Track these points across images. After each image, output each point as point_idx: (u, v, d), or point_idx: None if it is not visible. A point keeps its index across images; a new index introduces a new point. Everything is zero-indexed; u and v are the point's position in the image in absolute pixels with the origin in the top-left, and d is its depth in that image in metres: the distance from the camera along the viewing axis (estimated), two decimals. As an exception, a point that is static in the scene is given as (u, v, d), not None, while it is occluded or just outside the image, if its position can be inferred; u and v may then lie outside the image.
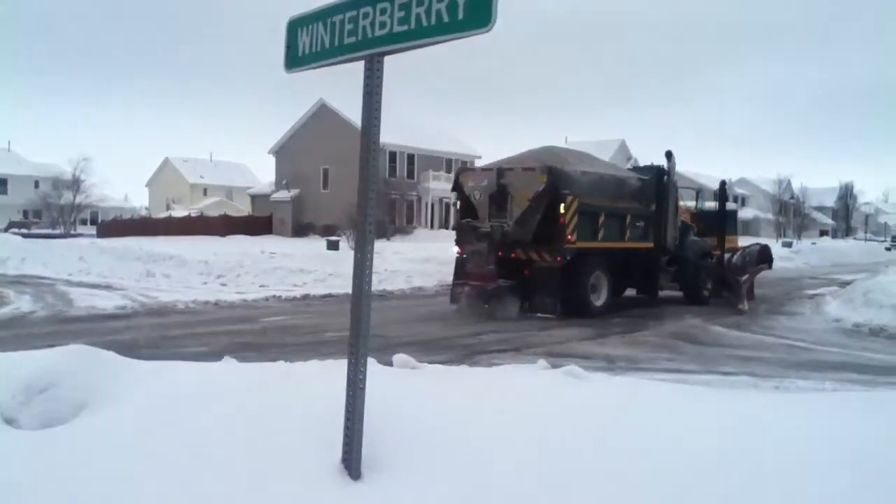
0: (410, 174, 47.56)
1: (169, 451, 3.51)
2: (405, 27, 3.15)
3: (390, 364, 5.60)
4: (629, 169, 18.73)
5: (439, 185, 48.60)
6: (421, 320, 13.79)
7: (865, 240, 72.64)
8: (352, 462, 3.37)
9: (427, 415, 3.97)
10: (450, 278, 16.51)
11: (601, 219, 14.71)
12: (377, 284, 19.79)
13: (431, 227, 47.72)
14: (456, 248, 15.25)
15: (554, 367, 5.95)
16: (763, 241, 28.49)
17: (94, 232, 52.63)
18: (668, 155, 17.28)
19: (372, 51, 3.31)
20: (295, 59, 3.83)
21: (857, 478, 3.40)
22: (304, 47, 3.73)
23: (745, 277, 17.23)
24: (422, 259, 24.35)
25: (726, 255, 18.18)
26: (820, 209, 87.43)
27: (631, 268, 16.09)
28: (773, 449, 3.77)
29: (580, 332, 12.32)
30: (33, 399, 3.88)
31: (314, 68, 3.72)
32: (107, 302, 15.74)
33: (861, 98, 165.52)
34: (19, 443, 3.52)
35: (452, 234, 16.70)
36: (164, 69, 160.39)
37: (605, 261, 14.95)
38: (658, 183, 16.64)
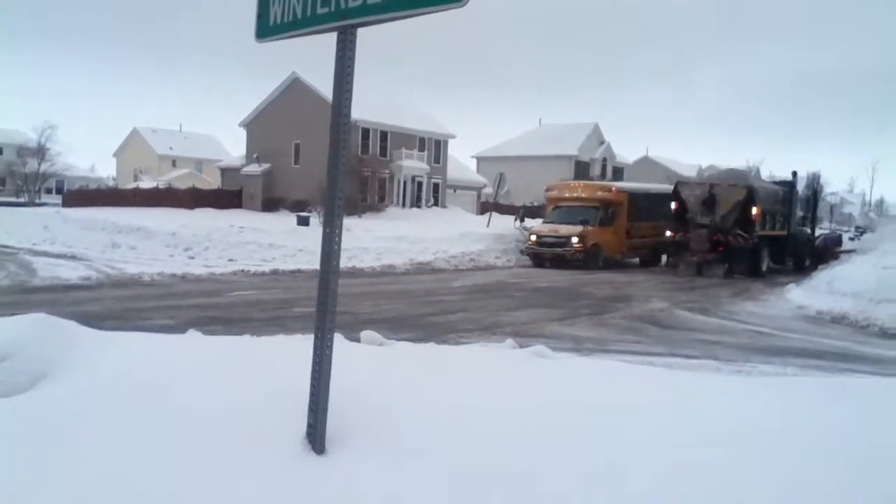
0: (383, 152, 47.21)
1: (129, 423, 3.47)
2: (379, -1, 3.09)
3: (358, 340, 5.59)
4: (773, 182, 26.82)
5: (412, 164, 48.34)
6: (391, 298, 13.79)
7: (830, 229, 73.78)
8: (316, 437, 3.36)
9: (393, 391, 3.97)
10: (420, 257, 21.76)
11: (767, 217, 22.71)
12: (347, 262, 19.73)
13: (404, 205, 47.48)
14: (669, 233, 23.10)
15: (522, 346, 5.98)
16: None
17: (59, 201, 51.65)
18: (794, 174, 26.37)
19: (345, 22, 3.25)
20: (266, 29, 3.75)
21: (816, 461, 3.47)
22: (276, 16, 3.65)
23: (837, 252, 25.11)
24: (393, 237, 24.30)
25: (816, 239, 26.76)
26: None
27: (775, 247, 23.65)
28: (730, 429, 3.83)
29: (549, 313, 12.41)
30: (-9, 368, 3.81)
31: (286, 38, 3.64)
32: (71, 272, 15.52)
33: (830, 88, 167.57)
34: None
35: (425, 213, 19.67)
36: (134, 37, 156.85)
37: (767, 243, 22.87)
38: (790, 193, 24.96)
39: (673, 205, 23.11)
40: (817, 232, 28.32)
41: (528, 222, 27.07)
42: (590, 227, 23.46)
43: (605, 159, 66.36)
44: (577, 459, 3.35)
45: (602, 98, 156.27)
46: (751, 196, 21.91)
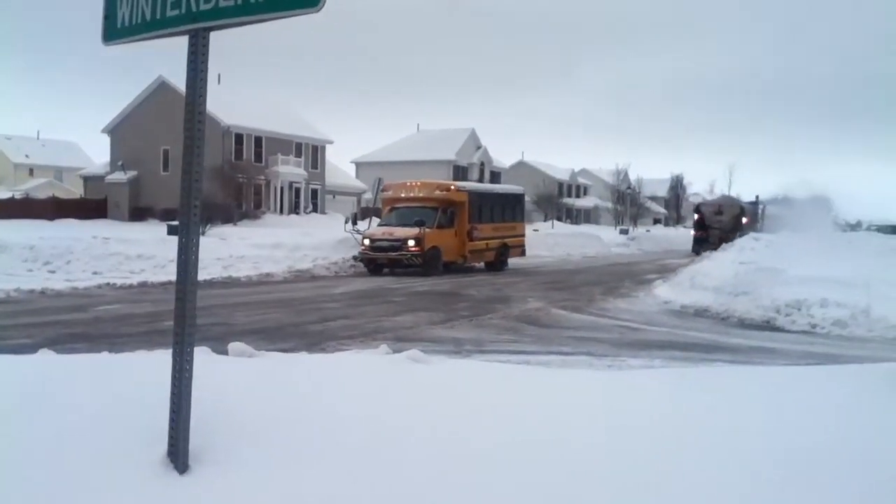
0: (258, 158, 46.14)
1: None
2: (232, 2, 3.00)
3: (226, 353, 5.42)
4: (749, 203, 40.97)
5: (289, 170, 47.50)
6: (268, 307, 13.47)
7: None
8: (178, 455, 3.23)
9: (261, 404, 3.86)
10: (299, 265, 21.61)
11: (745, 220, 35.15)
12: (222, 271, 19.15)
13: (281, 212, 46.56)
14: (692, 231, 37.94)
15: (399, 351, 5.98)
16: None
17: None
18: (757, 197, 42.43)
19: (196, 25, 3.14)
20: (113, 32, 3.57)
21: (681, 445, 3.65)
22: (124, 18, 3.47)
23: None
24: (270, 245, 23.71)
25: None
26: (654, 199, 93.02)
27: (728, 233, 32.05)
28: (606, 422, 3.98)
29: (430, 317, 12.49)
30: None
31: (135, 41, 3.48)
32: (-89, 292, 14.24)
33: (694, 93, 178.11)
34: None
35: (303, 220, 19.59)
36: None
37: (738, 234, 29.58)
38: (755, 208, 39.56)
39: (696, 216, 37.47)
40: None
41: (363, 225, 25.36)
42: (427, 230, 21.53)
43: (482, 164, 67.62)
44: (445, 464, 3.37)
45: (479, 104, 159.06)
46: (742, 211, 36.48)
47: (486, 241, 24.05)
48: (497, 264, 24.53)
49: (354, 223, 25.04)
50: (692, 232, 37.34)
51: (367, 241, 21.85)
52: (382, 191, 25.28)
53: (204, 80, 3.19)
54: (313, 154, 50.73)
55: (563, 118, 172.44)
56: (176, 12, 3.19)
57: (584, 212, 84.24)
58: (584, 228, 53.73)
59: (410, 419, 3.82)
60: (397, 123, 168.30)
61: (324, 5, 2.79)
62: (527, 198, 59.06)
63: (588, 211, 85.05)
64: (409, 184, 24.51)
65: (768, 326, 12.13)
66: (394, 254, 21.29)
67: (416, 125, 73.87)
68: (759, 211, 40.12)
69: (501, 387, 4.73)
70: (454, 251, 22.93)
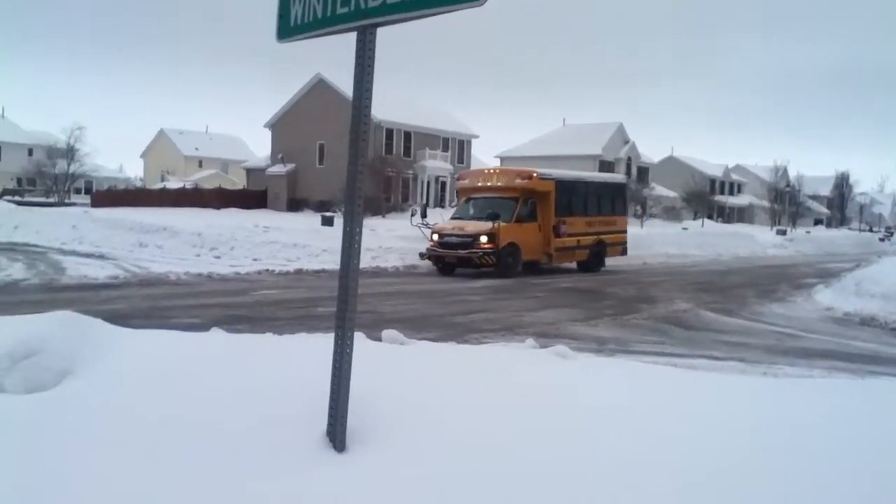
0: (407, 152, 47.35)
1: (152, 419, 3.51)
2: (399, -2, 3.10)
3: (379, 339, 5.61)
4: None
5: (436, 164, 48.41)
6: (413, 298, 13.81)
7: (860, 230, 72.78)
8: (336, 434, 3.38)
9: (414, 390, 3.98)
10: None
11: None
12: (371, 261, 19.77)
13: (427, 205, 47.61)
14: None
15: (543, 347, 5.96)
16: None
17: (88, 201, 52.36)
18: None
19: (364, 22, 3.27)
20: (286, 29, 3.78)
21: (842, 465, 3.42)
22: (297, 17, 3.67)
23: None
24: (417, 237, 24.28)
25: None
26: (815, 198, 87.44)
27: None
28: (759, 432, 3.79)
29: (571, 314, 12.36)
30: (17, 364, 3.86)
31: (306, 38, 3.67)
32: (98, 271, 15.71)
33: (860, 85, 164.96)
34: (2, 406, 3.51)
35: (449, 214, 18.15)
36: (160, 39, 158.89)
37: None
38: None
39: None
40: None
41: (433, 218, 22.46)
42: (503, 223, 18.85)
43: (629, 159, 65.90)
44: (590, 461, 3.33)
45: (627, 97, 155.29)
46: None
47: (577, 238, 21.19)
48: (591, 264, 21.77)
49: (424, 215, 21.81)
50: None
51: (435, 237, 19.43)
52: (458, 179, 22.67)
53: (370, 76, 3.31)
54: (459, 148, 51.43)
55: (715, 112, 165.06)
56: (345, 10, 3.33)
57: (737, 210, 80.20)
58: (737, 228, 51.13)
59: (557, 412, 3.80)
60: (543, 118, 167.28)
61: (487, -1, 2.83)
62: (674, 194, 57.89)
63: (742, 209, 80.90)
64: (486, 171, 22.32)
65: (947, 340, 11.09)
66: (464, 251, 18.61)
67: (562, 119, 73.12)
68: None
69: (678, 388, 4.61)
70: (537, 249, 20.28)
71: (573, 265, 21.97)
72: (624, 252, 23.82)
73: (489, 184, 20.77)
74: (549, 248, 20.49)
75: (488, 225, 18.64)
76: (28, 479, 2.97)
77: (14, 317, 4.62)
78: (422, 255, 19.82)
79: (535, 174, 20.60)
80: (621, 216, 24.09)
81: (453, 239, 19.02)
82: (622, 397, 4.24)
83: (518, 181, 20.37)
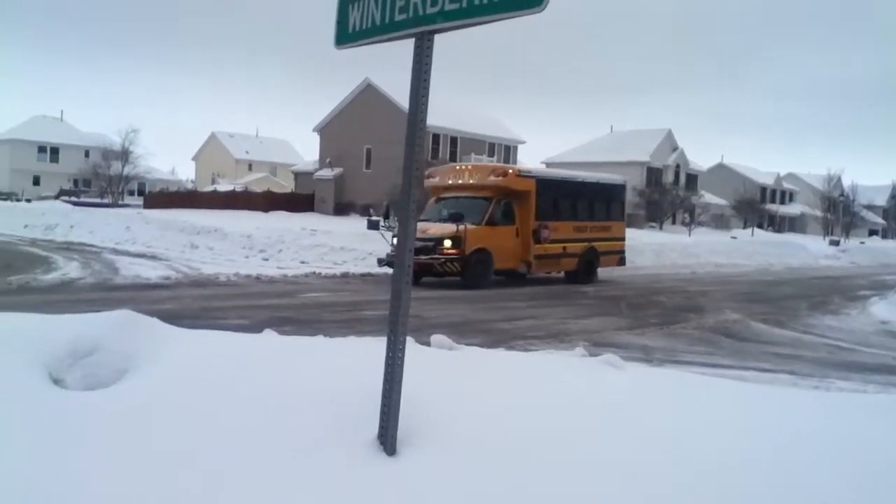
0: (453, 157, 47.40)
1: (207, 420, 3.57)
2: (457, 5, 3.10)
3: (427, 344, 5.62)
4: None
5: (482, 169, 48.36)
6: (456, 303, 13.82)
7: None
8: (388, 438, 3.39)
9: (465, 394, 3.98)
10: None
11: None
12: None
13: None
14: None
15: (592, 355, 5.92)
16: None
17: (140, 203, 53.63)
18: None
19: (422, 28, 3.29)
20: (345, 35, 3.82)
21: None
22: (355, 23, 3.71)
23: None
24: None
25: None
26: (870, 208, 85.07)
27: None
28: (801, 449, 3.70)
29: (617, 322, 12.23)
30: (79, 361, 3.97)
31: (364, 45, 3.71)
32: (151, 271, 16.08)
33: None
34: (66, 402, 3.61)
35: None
36: (212, 44, 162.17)
37: None
38: None
39: None
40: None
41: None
42: (471, 226, 16.78)
43: (678, 166, 64.97)
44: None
45: (676, 103, 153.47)
46: None
47: (562, 245, 19.00)
48: (580, 274, 19.43)
49: (387, 216, 19.09)
50: None
51: (395, 241, 17.35)
52: (427, 177, 19.82)
53: (427, 82, 3.32)
54: (506, 154, 51.33)
55: (766, 121, 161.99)
56: (403, 16, 3.36)
57: (788, 219, 78.44)
58: (788, 237, 50.06)
59: (609, 421, 3.76)
60: (590, 124, 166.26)
61: (547, 5, 2.82)
62: (724, 202, 57.53)
63: (793, 219, 79.12)
64: (458, 168, 20.08)
65: None
66: (424, 257, 16.07)
67: (609, 126, 72.51)
68: None
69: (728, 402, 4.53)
70: (512, 256, 18.10)
71: (561, 275, 20.03)
72: (621, 262, 21.60)
73: (460, 182, 18.64)
74: (527, 255, 18.36)
75: (452, 228, 16.61)
76: (87, 471, 3.05)
77: (74, 315, 4.74)
78: (380, 262, 17.73)
79: (510, 171, 18.85)
80: (618, 222, 21.72)
81: (416, 244, 16.62)
82: (673, 409, 4.18)
83: (492, 179, 18.21)
